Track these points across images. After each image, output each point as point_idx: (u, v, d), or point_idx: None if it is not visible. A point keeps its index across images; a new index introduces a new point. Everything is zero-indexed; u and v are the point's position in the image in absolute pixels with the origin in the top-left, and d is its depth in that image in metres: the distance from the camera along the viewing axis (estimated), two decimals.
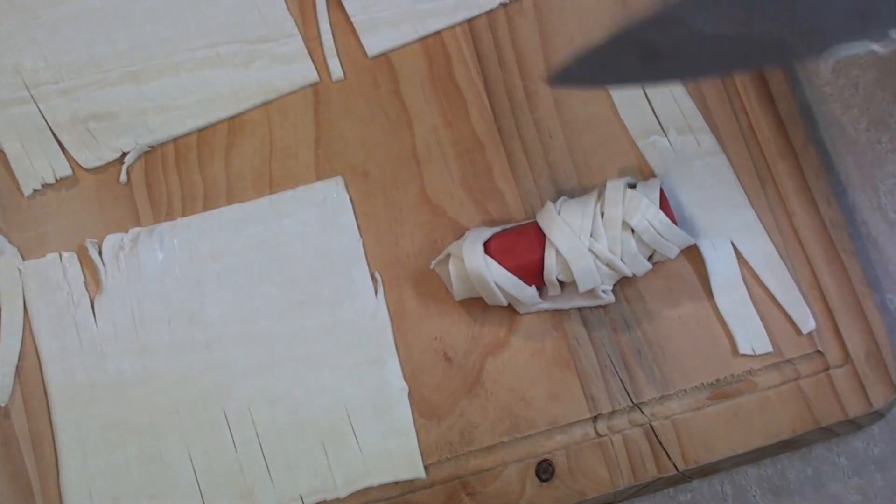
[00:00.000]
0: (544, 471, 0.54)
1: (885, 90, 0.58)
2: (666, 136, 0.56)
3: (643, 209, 0.52)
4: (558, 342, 0.55)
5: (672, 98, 0.56)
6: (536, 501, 0.53)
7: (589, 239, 0.51)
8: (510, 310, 0.55)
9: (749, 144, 0.56)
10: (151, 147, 0.59)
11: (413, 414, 0.55)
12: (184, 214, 0.58)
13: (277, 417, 0.55)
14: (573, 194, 0.55)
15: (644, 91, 0.56)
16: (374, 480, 0.54)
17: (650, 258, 0.54)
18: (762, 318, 0.54)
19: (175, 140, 0.59)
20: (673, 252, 0.53)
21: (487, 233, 0.53)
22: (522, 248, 0.53)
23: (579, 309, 0.55)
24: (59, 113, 0.60)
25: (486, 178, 0.57)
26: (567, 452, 0.54)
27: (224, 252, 0.57)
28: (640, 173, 0.56)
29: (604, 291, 0.53)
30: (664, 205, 0.52)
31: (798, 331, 0.54)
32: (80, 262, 0.58)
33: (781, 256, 0.54)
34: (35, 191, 0.59)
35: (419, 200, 0.57)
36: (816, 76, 0.58)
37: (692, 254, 0.55)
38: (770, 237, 0.55)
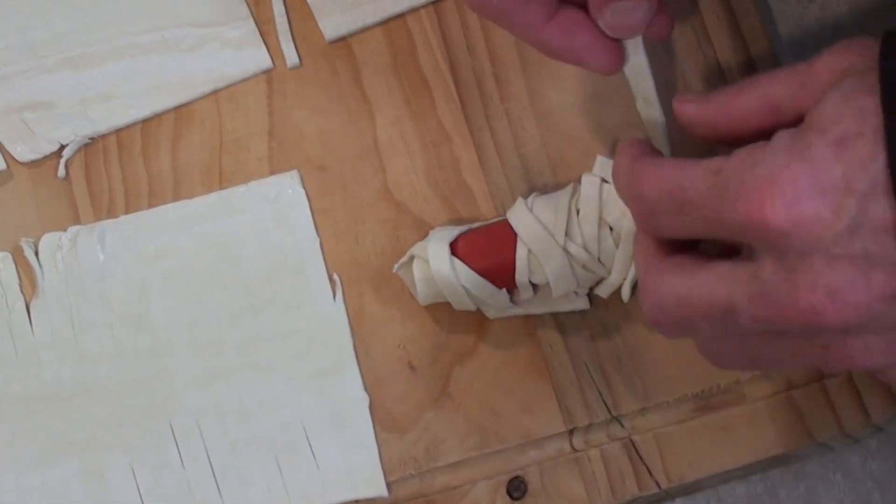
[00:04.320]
0: (516, 488, 0.53)
1: None
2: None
3: (621, 205, 0.49)
4: (531, 350, 0.54)
5: None
6: None
7: (564, 238, 0.50)
8: (479, 315, 0.54)
9: None
10: (92, 139, 0.58)
11: (374, 427, 0.54)
12: (127, 212, 0.57)
13: (228, 431, 0.54)
14: (547, 190, 0.54)
15: None
16: (333, 498, 0.53)
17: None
18: None
19: (117, 131, 0.58)
20: None
21: (454, 232, 0.52)
22: (492, 249, 0.51)
23: (554, 314, 0.54)
24: None
25: (453, 172, 0.56)
26: (541, 468, 0.53)
27: (170, 252, 0.56)
28: None
29: (579, 294, 0.52)
30: None
31: None
32: (15, 263, 0.57)
33: None
34: None
35: (381, 196, 0.56)
36: None
37: None
38: None
